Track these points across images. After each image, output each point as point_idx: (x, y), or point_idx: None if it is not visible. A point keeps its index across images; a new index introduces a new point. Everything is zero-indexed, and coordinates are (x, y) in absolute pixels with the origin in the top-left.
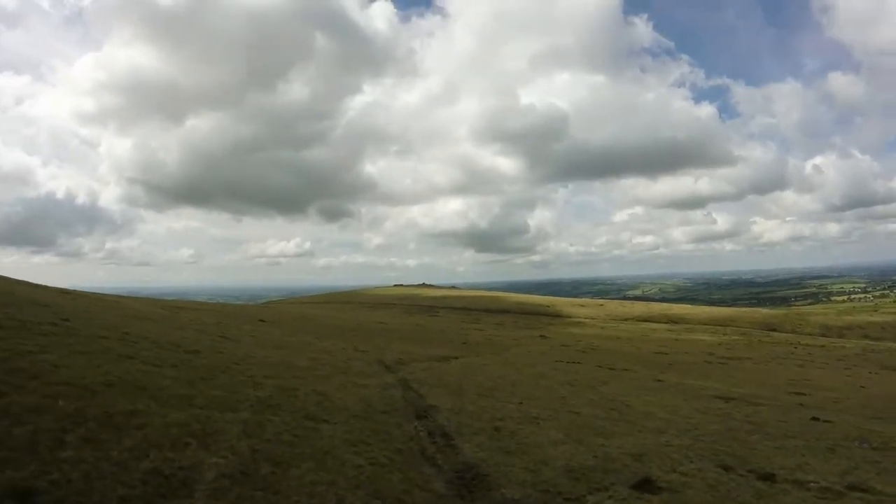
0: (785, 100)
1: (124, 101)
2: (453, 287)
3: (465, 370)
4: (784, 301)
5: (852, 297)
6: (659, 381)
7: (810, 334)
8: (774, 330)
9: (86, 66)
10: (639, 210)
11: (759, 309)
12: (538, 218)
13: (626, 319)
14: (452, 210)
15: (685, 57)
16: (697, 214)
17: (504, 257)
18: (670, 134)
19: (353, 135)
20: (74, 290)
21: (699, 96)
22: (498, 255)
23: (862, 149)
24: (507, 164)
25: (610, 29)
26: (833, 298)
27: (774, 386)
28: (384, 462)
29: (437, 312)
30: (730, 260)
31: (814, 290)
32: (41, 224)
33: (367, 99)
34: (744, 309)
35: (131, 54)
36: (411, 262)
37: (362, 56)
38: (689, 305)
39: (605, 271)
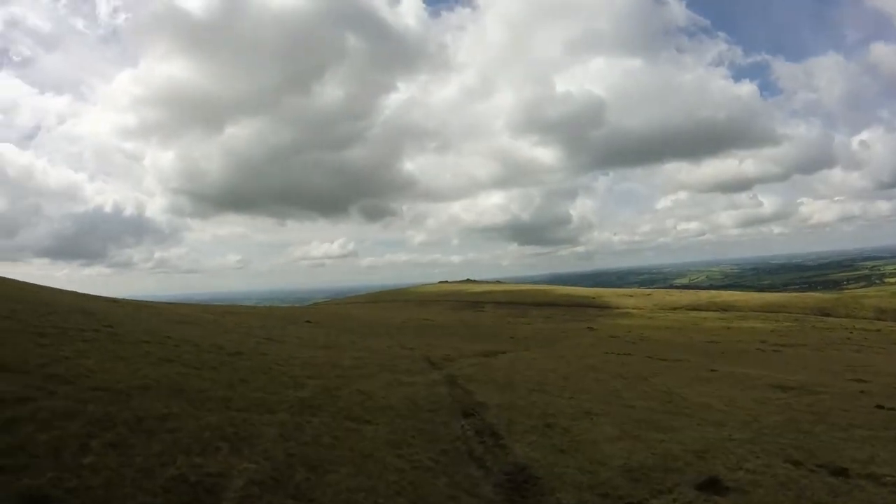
0: (827, 74)
1: (164, 114)
2: (498, 282)
3: (514, 365)
4: (836, 284)
5: None
6: (712, 370)
7: (865, 318)
8: (828, 315)
9: (124, 83)
10: (683, 195)
11: (811, 293)
12: (580, 207)
13: (674, 309)
14: (494, 204)
15: (722, 34)
16: (743, 197)
17: (547, 249)
18: (711, 115)
19: (390, 133)
20: (121, 299)
21: (738, 74)
22: (541, 247)
23: None
24: (546, 154)
25: (643, 10)
26: (886, 280)
27: (833, 373)
28: (428, 465)
29: (483, 308)
30: (778, 244)
31: (866, 271)
32: (91, 237)
33: (403, 96)
34: (795, 294)
35: (168, 68)
36: (455, 259)
37: (394, 54)
38: (738, 292)
39: (650, 260)
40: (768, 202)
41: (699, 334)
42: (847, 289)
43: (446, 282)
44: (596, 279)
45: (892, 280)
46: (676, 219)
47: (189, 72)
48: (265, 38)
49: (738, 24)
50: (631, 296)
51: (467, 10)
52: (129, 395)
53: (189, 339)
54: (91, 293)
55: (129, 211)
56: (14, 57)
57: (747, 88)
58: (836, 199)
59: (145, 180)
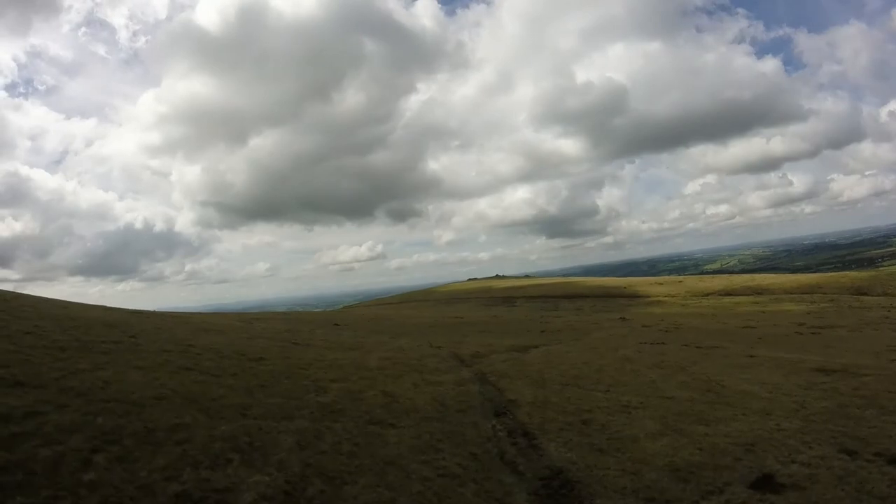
0: (851, 43)
1: (188, 130)
2: (527, 276)
3: (546, 359)
4: (871, 262)
5: None
6: (751, 356)
7: None
8: (864, 294)
9: (148, 102)
10: (711, 179)
11: (846, 273)
12: (607, 197)
13: (707, 295)
14: (520, 198)
15: (741, 10)
16: (772, 177)
17: (576, 241)
18: (735, 94)
19: (412, 134)
20: (147, 311)
21: (761, 50)
22: (569, 239)
23: None
24: (569, 145)
25: None
26: None
27: (874, 354)
28: (456, 472)
29: (513, 302)
30: (810, 223)
31: None
32: (123, 254)
33: (423, 97)
34: (829, 274)
35: (189, 85)
36: (483, 255)
37: (412, 55)
38: (772, 275)
39: (680, 247)
40: (798, 180)
41: (734, 319)
42: (882, 266)
43: (475, 279)
44: (626, 269)
45: None
46: (705, 203)
47: (210, 87)
48: (283, 49)
49: None
50: (662, 284)
51: (482, 7)
52: (141, 406)
53: (212, 346)
54: (123, 307)
55: (158, 226)
56: (39, 86)
57: (771, 64)
58: (867, 173)
59: (173, 195)
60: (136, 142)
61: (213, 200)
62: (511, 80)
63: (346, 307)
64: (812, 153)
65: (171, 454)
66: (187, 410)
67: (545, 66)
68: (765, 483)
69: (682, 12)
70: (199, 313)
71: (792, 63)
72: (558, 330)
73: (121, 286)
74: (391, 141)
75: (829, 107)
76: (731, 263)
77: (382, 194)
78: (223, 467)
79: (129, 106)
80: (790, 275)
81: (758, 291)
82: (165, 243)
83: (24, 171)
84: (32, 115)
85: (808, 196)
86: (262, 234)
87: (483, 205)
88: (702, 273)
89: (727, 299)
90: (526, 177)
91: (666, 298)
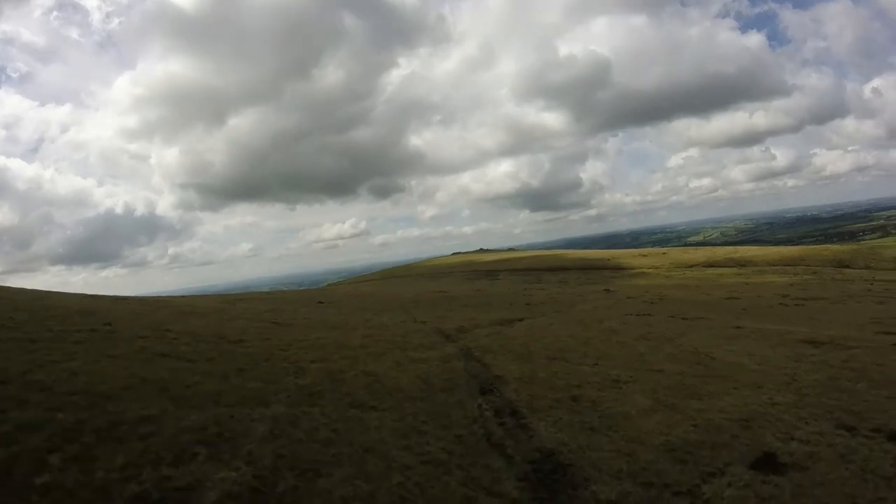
0: (836, 20)
1: (166, 112)
2: (511, 249)
3: (532, 332)
4: (852, 236)
5: None
6: (737, 328)
7: (884, 269)
8: (846, 266)
9: (124, 86)
10: (694, 152)
11: (828, 245)
12: (590, 171)
13: (691, 266)
14: (503, 172)
15: None
16: (755, 151)
17: (559, 214)
18: (719, 68)
19: (394, 110)
20: (129, 297)
21: (745, 25)
22: (553, 212)
23: None
24: (552, 119)
25: None
26: None
27: (859, 326)
28: (441, 458)
29: (497, 276)
30: (792, 196)
31: (882, 222)
32: (104, 240)
33: (404, 72)
34: (812, 247)
35: (166, 66)
36: (467, 230)
37: (393, 29)
38: (754, 247)
39: (663, 219)
40: (781, 155)
41: (718, 291)
42: (863, 240)
43: (459, 253)
44: (609, 241)
45: None
46: (688, 176)
47: (187, 68)
48: (260, 26)
49: None
50: (646, 255)
51: None
52: (108, 398)
53: (190, 330)
54: (106, 295)
55: (139, 210)
56: (12, 74)
57: (755, 39)
58: (850, 148)
59: (153, 179)
60: (114, 126)
61: (194, 182)
62: (493, 55)
63: (331, 285)
64: (795, 128)
65: (132, 450)
66: (156, 400)
67: (528, 39)
68: (766, 463)
69: None
70: (181, 297)
71: (777, 38)
72: (542, 303)
73: (104, 273)
74: (373, 117)
75: (814, 82)
76: (714, 236)
77: (365, 171)
78: (188, 463)
79: (105, 90)
80: (773, 247)
81: (741, 263)
82: (147, 228)
83: (1, 160)
84: (6, 104)
85: (791, 170)
86: (243, 215)
87: (466, 179)
88: (685, 245)
89: (710, 271)
90: (509, 151)
91: (650, 270)
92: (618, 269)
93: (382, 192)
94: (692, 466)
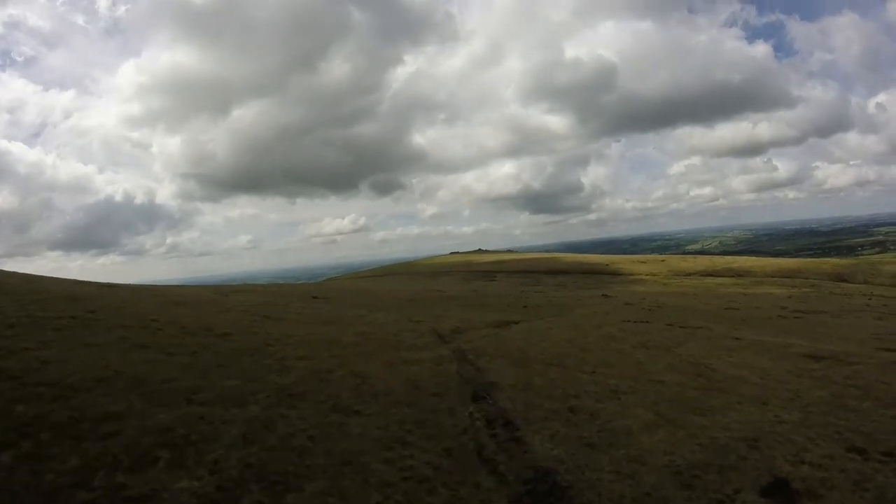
0: (843, 33)
1: (170, 101)
2: (510, 251)
3: (528, 335)
4: (851, 250)
5: None
6: (737, 339)
7: (882, 284)
8: (845, 280)
9: (128, 73)
10: (696, 160)
11: (827, 259)
12: (592, 175)
13: (689, 275)
14: (505, 173)
15: None
16: (757, 162)
17: (559, 218)
18: (724, 77)
19: (399, 106)
20: (121, 284)
21: (752, 35)
22: (553, 215)
23: None
24: (556, 121)
25: None
26: None
27: (860, 341)
28: (425, 474)
29: (494, 277)
30: (793, 208)
31: (881, 237)
32: (104, 227)
33: (410, 69)
34: (810, 259)
35: (171, 55)
36: (467, 229)
37: (400, 26)
38: (753, 257)
39: (663, 226)
40: (783, 166)
41: (716, 300)
42: (862, 255)
43: (458, 252)
44: (608, 246)
45: None
46: (689, 184)
47: (192, 57)
48: (268, 17)
49: None
50: (644, 262)
51: None
52: (76, 391)
53: (177, 321)
54: (97, 281)
55: (139, 199)
56: (17, 57)
57: (761, 49)
58: (852, 163)
59: (154, 168)
60: (116, 113)
61: (195, 172)
62: (499, 54)
63: (328, 280)
64: (798, 140)
65: (89, 451)
66: (126, 396)
67: (535, 40)
68: (778, 489)
69: None
70: (175, 286)
71: (783, 49)
72: (539, 306)
73: (101, 260)
74: (377, 113)
75: (818, 95)
76: (713, 245)
77: (367, 167)
78: (146, 469)
79: (109, 77)
80: (771, 258)
81: (739, 273)
82: (146, 216)
83: (3, 144)
84: (10, 88)
85: (792, 182)
86: (244, 207)
87: (468, 179)
88: (683, 253)
89: (709, 280)
90: (512, 152)
91: (648, 277)
92: (616, 274)
93: (384, 189)
94: (699, 492)
